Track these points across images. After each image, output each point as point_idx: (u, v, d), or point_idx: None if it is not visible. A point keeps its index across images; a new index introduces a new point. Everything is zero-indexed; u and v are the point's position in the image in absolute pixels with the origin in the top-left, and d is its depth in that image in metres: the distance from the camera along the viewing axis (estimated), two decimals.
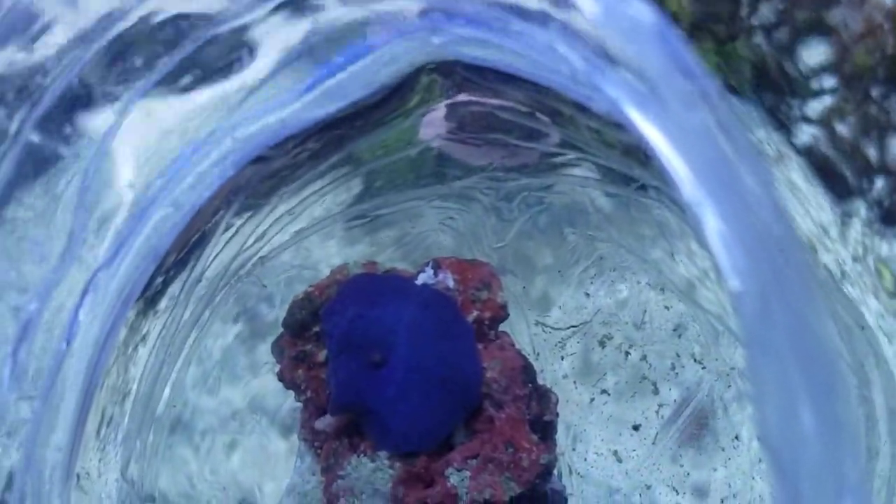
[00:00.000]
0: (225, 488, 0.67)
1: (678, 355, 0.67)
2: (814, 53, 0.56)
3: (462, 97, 0.58)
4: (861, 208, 0.57)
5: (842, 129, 0.57)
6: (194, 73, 0.48)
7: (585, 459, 0.66)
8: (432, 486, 0.52)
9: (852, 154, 0.57)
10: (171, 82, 0.48)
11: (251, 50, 0.48)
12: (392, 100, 0.55)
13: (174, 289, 0.61)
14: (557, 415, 0.55)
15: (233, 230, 0.61)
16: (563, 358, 0.68)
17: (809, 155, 0.58)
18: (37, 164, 0.46)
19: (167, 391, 0.65)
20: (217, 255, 0.62)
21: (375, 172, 0.64)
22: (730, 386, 0.66)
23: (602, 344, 0.68)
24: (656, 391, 0.67)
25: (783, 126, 0.58)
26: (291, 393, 0.56)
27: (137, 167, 0.49)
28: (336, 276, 0.56)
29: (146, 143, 0.49)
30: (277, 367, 0.56)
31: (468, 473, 0.51)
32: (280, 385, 0.56)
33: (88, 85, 0.46)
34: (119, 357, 0.58)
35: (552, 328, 0.68)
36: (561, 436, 0.63)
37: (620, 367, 0.67)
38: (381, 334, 0.52)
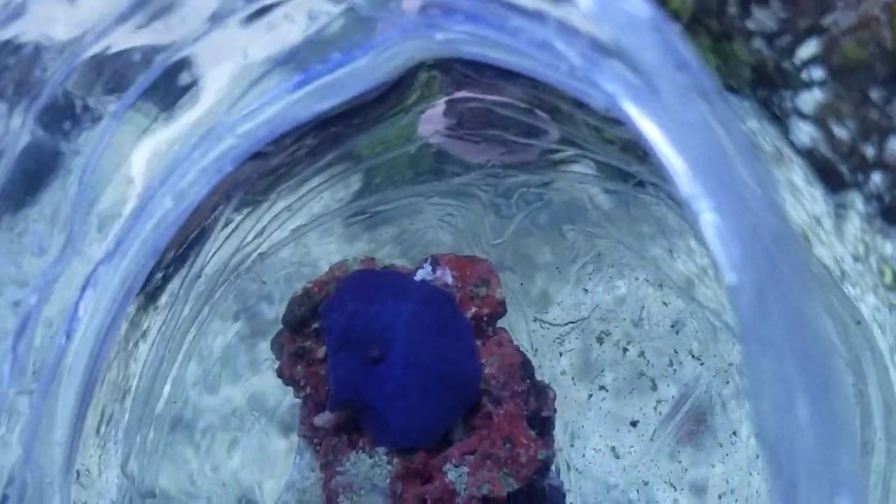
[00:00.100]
0: (225, 485, 0.67)
1: (676, 352, 0.67)
2: (805, 48, 0.57)
3: (461, 94, 0.58)
4: (857, 201, 0.57)
5: (840, 131, 0.57)
6: (191, 69, 0.48)
7: (583, 455, 0.66)
8: (431, 481, 0.52)
9: (850, 154, 0.57)
10: (169, 79, 0.48)
11: (250, 45, 0.48)
12: (391, 96, 0.55)
13: (174, 285, 0.61)
14: (555, 411, 0.55)
15: (232, 226, 0.62)
16: (561, 354, 0.68)
17: (808, 155, 0.58)
18: (36, 160, 0.46)
19: (167, 388, 0.65)
20: (216, 252, 0.62)
21: (374, 169, 0.64)
22: (728, 382, 0.66)
23: (600, 340, 0.68)
24: (654, 388, 0.67)
25: (777, 118, 0.58)
26: (291, 390, 0.56)
27: (137, 163, 0.49)
28: (335, 273, 0.56)
29: (145, 139, 0.49)
30: (277, 364, 0.56)
31: (466, 469, 0.52)
32: (280, 382, 0.56)
33: (88, 82, 0.46)
34: (119, 352, 0.58)
35: (550, 324, 0.68)
36: (559, 432, 0.63)
37: (618, 364, 0.67)
38: (380, 330, 0.52)
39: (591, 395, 0.67)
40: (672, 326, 0.67)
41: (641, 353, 0.67)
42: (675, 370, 0.67)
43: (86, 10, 0.43)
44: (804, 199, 0.59)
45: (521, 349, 0.55)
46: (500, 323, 0.56)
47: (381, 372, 0.52)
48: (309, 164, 0.61)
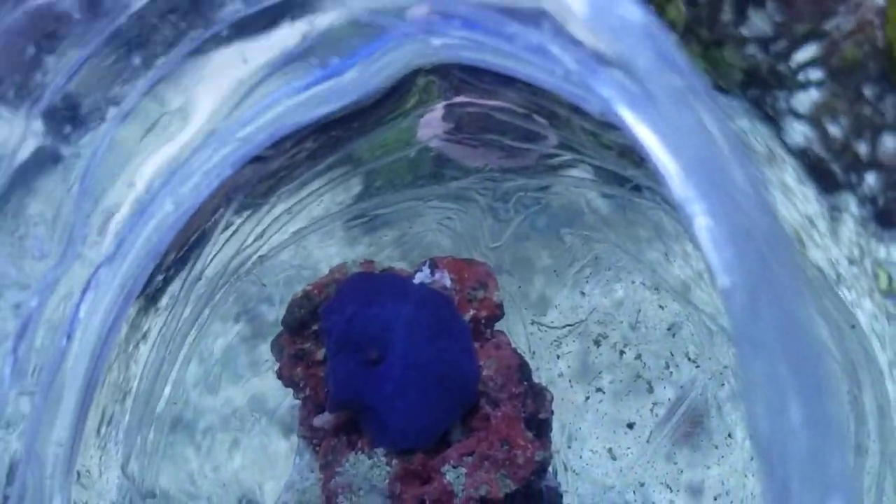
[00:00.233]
0: (225, 485, 0.67)
1: (672, 354, 0.67)
2: (804, 52, 0.57)
3: (459, 98, 0.58)
4: (851, 203, 0.57)
5: (833, 129, 0.57)
6: (193, 72, 0.48)
7: (580, 457, 0.66)
8: (429, 482, 0.52)
9: (843, 152, 0.57)
10: (171, 80, 0.48)
11: (249, 50, 0.48)
12: (390, 101, 0.55)
13: (174, 287, 0.61)
14: (552, 413, 0.55)
15: (232, 229, 0.62)
16: (558, 357, 0.68)
17: (801, 155, 0.58)
18: (38, 163, 0.46)
19: (168, 389, 0.65)
20: (217, 254, 0.62)
21: (374, 173, 0.65)
22: (723, 385, 0.66)
23: (597, 343, 0.68)
24: (651, 390, 0.67)
25: (770, 119, 0.58)
26: (291, 391, 0.56)
27: (137, 166, 0.49)
28: (335, 275, 0.56)
29: (146, 142, 0.49)
30: (277, 366, 0.56)
31: (464, 470, 0.52)
32: (280, 384, 0.56)
33: (89, 85, 0.46)
34: (120, 354, 0.59)
35: (548, 327, 0.68)
36: (556, 433, 0.63)
37: (615, 366, 0.67)
38: (379, 332, 0.52)
39: (588, 398, 0.67)
40: (668, 329, 0.67)
41: (638, 356, 0.67)
42: (672, 373, 0.67)
43: (86, 16, 0.43)
44: (796, 199, 0.59)
45: (519, 352, 0.55)
46: (498, 325, 0.56)
47: (380, 374, 0.52)
48: (309, 167, 0.61)
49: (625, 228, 0.67)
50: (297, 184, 0.62)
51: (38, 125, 0.45)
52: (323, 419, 0.54)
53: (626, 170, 0.62)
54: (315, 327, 0.55)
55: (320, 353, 0.54)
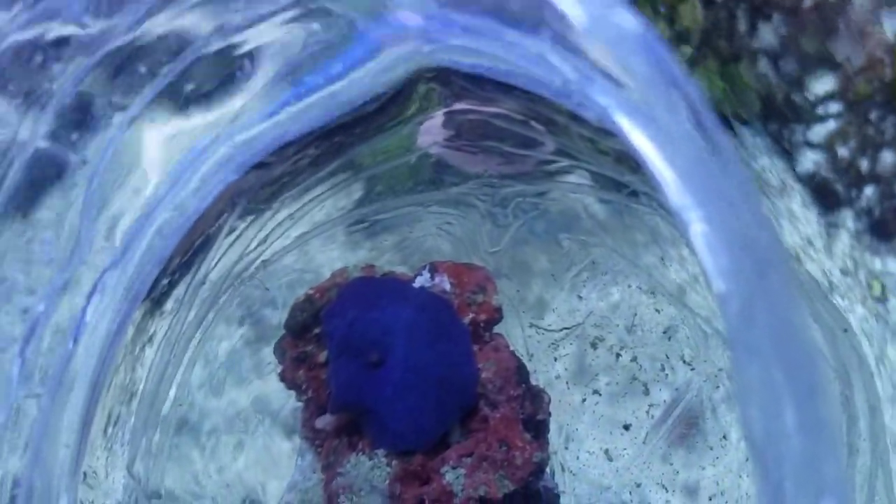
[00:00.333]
0: (229, 485, 0.67)
1: (668, 357, 0.67)
2: (820, 84, 0.57)
3: (459, 105, 0.58)
4: (848, 219, 0.58)
5: (843, 151, 0.57)
6: (197, 80, 0.48)
7: (577, 458, 0.66)
8: (428, 483, 0.52)
9: (847, 169, 0.58)
10: (174, 90, 0.48)
11: (252, 58, 0.48)
12: (391, 107, 0.55)
13: (179, 291, 0.61)
14: (550, 414, 0.55)
15: (236, 234, 0.62)
16: (556, 359, 0.68)
17: (810, 181, 0.58)
18: (45, 170, 0.46)
19: (173, 391, 0.65)
20: (221, 259, 0.62)
21: (375, 178, 0.65)
22: (718, 387, 0.66)
23: (594, 346, 0.68)
24: (647, 392, 0.67)
25: (786, 153, 0.58)
26: (294, 393, 0.56)
27: (142, 172, 0.49)
28: (336, 279, 0.56)
29: (151, 149, 0.49)
30: (279, 368, 0.56)
31: (463, 471, 0.51)
32: (283, 386, 0.56)
33: (94, 92, 0.46)
34: (126, 356, 0.58)
35: (546, 330, 0.68)
36: (553, 435, 0.63)
37: (612, 369, 0.67)
38: (380, 336, 0.52)
39: (584, 399, 0.67)
40: (664, 333, 0.67)
41: (634, 359, 0.67)
42: (667, 375, 0.67)
43: (92, 24, 0.43)
44: (799, 224, 0.59)
45: (517, 354, 0.55)
46: (497, 329, 0.56)
47: (380, 376, 0.52)
48: (311, 173, 0.61)
49: (622, 233, 0.67)
50: (299, 189, 0.62)
51: (44, 132, 0.45)
52: (325, 421, 0.54)
53: (623, 175, 0.62)
54: (317, 331, 0.55)
55: (322, 356, 0.54)
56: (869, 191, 0.57)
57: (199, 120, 0.49)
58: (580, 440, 0.66)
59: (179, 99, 0.49)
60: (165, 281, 0.59)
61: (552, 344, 0.68)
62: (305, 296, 0.55)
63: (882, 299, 0.58)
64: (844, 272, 0.58)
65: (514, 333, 0.67)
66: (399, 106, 0.56)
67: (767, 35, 0.57)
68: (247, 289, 0.66)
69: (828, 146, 0.58)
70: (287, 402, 0.67)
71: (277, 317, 0.68)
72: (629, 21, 0.33)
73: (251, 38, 0.47)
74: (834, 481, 0.33)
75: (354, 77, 0.49)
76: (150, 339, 0.61)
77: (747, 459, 0.64)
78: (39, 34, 0.44)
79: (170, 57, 0.46)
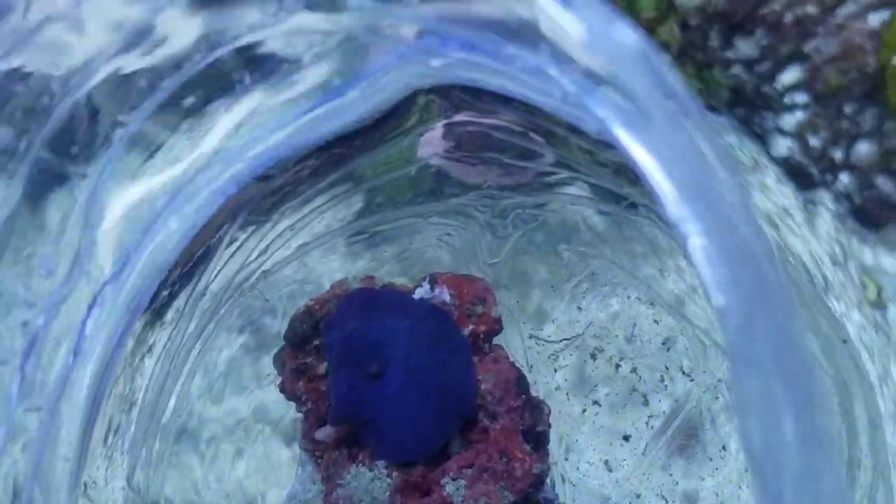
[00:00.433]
0: (229, 496, 0.66)
1: (667, 368, 0.67)
2: (788, 75, 0.57)
3: (459, 117, 0.58)
4: (826, 198, 0.58)
5: (814, 141, 0.57)
6: (197, 94, 0.48)
7: (577, 469, 0.66)
8: (429, 494, 0.52)
9: (820, 158, 0.58)
10: (175, 103, 0.48)
11: (253, 72, 0.48)
12: (391, 120, 0.55)
13: (180, 301, 0.61)
14: (550, 425, 0.55)
15: (236, 244, 0.61)
16: (555, 370, 0.68)
17: (785, 163, 0.58)
18: (44, 183, 0.46)
19: (173, 401, 0.65)
20: (221, 269, 0.62)
21: (375, 190, 0.64)
22: (717, 398, 0.66)
23: (594, 357, 0.68)
24: (646, 403, 0.66)
25: (757, 136, 0.59)
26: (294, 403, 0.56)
27: (143, 185, 0.49)
28: (336, 291, 0.56)
29: (151, 162, 0.49)
30: (279, 380, 0.56)
31: (463, 482, 0.51)
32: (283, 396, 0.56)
33: (95, 106, 0.46)
34: (126, 367, 0.58)
35: (545, 341, 0.68)
36: (553, 446, 0.63)
37: (611, 380, 0.67)
38: (380, 347, 0.52)
39: (584, 410, 0.67)
40: (663, 344, 0.67)
41: (634, 370, 0.67)
42: (667, 386, 0.66)
43: (93, 39, 0.43)
44: (773, 195, 0.59)
45: (517, 365, 0.55)
46: (497, 340, 0.56)
47: (380, 387, 0.52)
48: (312, 184, 0.61)
49: (621, 244, 0.67)
50: (300, 201, 0.61)
51: (44, 146, 0.45)
52: (325, 432, 0.53)
53: (622, 188, 0.62)
54: (317, 342, 0.55)
55: (322, 368, 0.54)
56: (845, 178, 0.58)
57: (199, 134, 0.49)
58: (580, 451, 0.66)
59: (179, 113, 0.49)
60: (166, 292, 0.59)
61: (552, 355, 0.68)
62: (305, 307, 0.55)
63: (878, 304, 0.58)
64: (834, 261, 0.58)
65: (514, 344, 0.67)
66: (399, 118, 0.56)
67: (747, 48, 0.57)
68: (247, 299, 0.66)
69: (798, 135, 0.57)
70: (287, 411, 0.67)
71: (277, 325, 0.68)
72: (629, 36, 0.33)
73: (252, 52, 0.47)
74: (833, 493, 0.33)
75: (355, 91, 0.49)
76: (150, 350, 0.61)
77: (746, 470, 0.63)
78: (39, 51, 0.44)
79: (170, 71, 0.46)
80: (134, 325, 0.53)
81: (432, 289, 0.55)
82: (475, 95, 0.54)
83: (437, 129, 0.60)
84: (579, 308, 0.68)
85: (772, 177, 0.59)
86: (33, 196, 0.46)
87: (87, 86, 0.44)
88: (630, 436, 0.66)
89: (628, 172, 0.59)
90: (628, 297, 0.68)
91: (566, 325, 0.68)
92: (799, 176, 0.58)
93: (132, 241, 0.49)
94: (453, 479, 0.51)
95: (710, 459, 0.65)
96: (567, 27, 0.34)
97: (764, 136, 0.59)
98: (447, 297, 0.55)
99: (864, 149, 0.56)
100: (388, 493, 0.52)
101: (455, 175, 0.64)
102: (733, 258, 0.34)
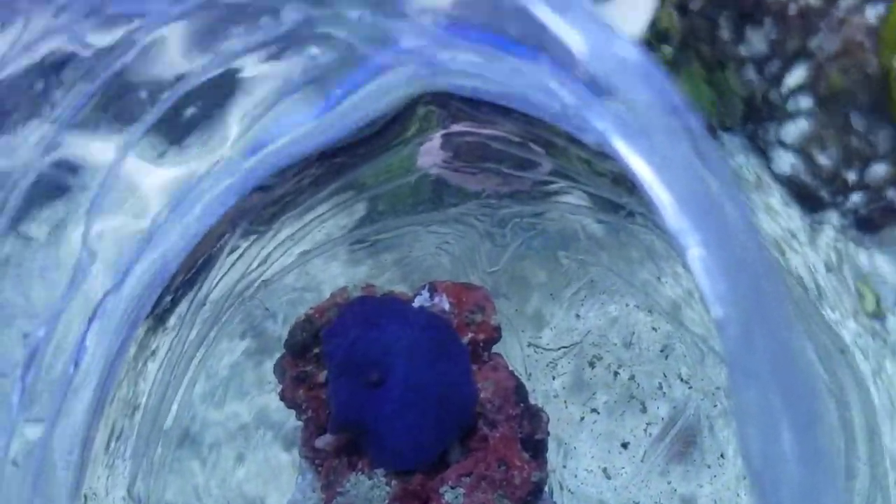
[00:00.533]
0: (229, 501, 0.66)
1: (665, 375, 0.66)
2: (793, 77, 0.56)
3: (457, 127, 0.58)
4: (833, 217, 0.57)
5: (823, 159, 0.56)
6: (197, 105, 0.48)
7: (576, 476, 0.66)
8: (428, 502, 0.52)
9: (833, 180, 0.56)
10: (175, 114, 0.48)
11: (252, 83, 0.48)
12: (390, 129, 0.55)
13: (182, 308, 0.61)
14: (549, 433, 0.55)
15: (238, 253, 0.61)
16: (554, 378, 0.67)
17: (787, 182, 0.58)
18: (45, 194, 0.46)
19: (175, 406, 0.65)
20: (223, 277, 0.62)
21: (376, 199, 0.64)
22: (716, 405, 0.65)
23: (592, 364, 0.67)
24: (644, 410, 0.66)
25: (760, 150, 0.58)
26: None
27: (142, 196, 0.49)
28: (336, 299, 0.55)
29: (151, 173, 0.49)
30: (279, 388, 0.56)
31: (462, 491, 0.51)
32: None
33: (95, 117, 0.46)
34: (129, 372, 0.58)
35: (544, 349, 0.68)
36: (552, 453, 0.63)
37: (610, 387, 0.67)
38: (380, 355, 0.52)
39: (583, 418, 0.67)
40: (661, 351, 0.67)
41: (632, 377, 0.67)
42: (665, 393, 0.66)
43: (93, 47, 0.43)
44: (780, 218, 0.59)
45: (516, 374, 0.54)
46: (496, 348, 0.56)
47: (380, 395, 0.51)
48: (313, 193, 0.60)
49: (618, 252, 0.67)
50: (301, 209, 0.61)
51: (45, 156, 0.45)
52: (325, 440, 0.53)
53: (621, 197, 0.61)
54: (317, 350, 0.54)
55: (322, 376, 0.54)
56: (856, 197, 0.56)
57: (198, 145, 0.49)
58: (578, 459, 0.66)
59: (179, 124, 0.48)
60: (168, 298, 0.58)
61: (550, 363, 0.68)
62: (305, 316, 0.55)
63: (877, 315, 0.57)
64: (829, 268, 0.57)
65: (513, 353, 0.67)
66: (399, 127, 0.56)
67: (758, 42, 0.55)
68: (247, 308, 0.66)
69: (803, 149, 0.56)
70: (288, 417, 0.67)
71: (279, 331, 0.68)
72: (629, 50, 0.33)
73: (250, 64, 0.47)
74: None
75: (355, 101, 0.49)
76: (153, 355, 0.61)
77: (744, 477, 0.63)
78: (40, 58, 0.43)
79: (169, 83, 0.46)
80: (134, 335, 0.52)
81: (432, 297, 0.55)
82: (474, 106, 0.54)
83: (436, 139, 0.60)
84: (578, 316, 0.68)
85: (777, 198, 0.58)
86: (34, 207, 0.46)
87: (87, 95, 0.44)
88: (628, 443, 0.66)
89: (626, 182, 0.59)
90: (626, 305, 0.68)
91: (565, 333, 0.68)
92: (805, 198, 0.57)
93: (133, 252, 0.49)
94: (452, 488, 0.51)
95: (709, 467, 0.65)
96: (568, 41, 0.34)
97: (766, 149, 0.58)
98: (447, 306, 0.55)
99: (880, 170, 0.54)
100: (387, 501, 0.52)
101: (454, 184, 0.64)
102: (733, 270, 0.34)
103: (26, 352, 0.46)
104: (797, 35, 0.54)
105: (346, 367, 0.52)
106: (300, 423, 0.56)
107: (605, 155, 0.39)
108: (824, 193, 0.57)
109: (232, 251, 0.61)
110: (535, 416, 0.54)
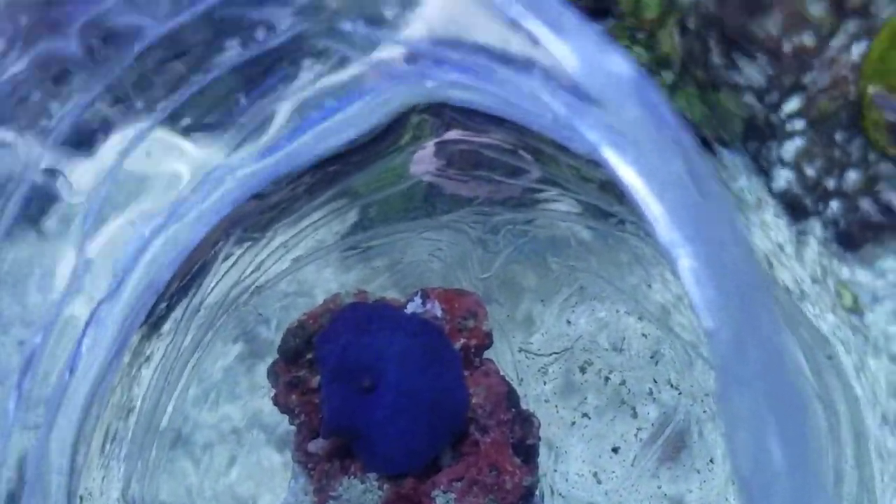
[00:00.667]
0: (221, 502, 0.66)
1: (655, 380, 0.66)
2: (790, 105, 0.58)
3: (450, 135, 0.58)
4: (816, 227, 0.58)
5: (810, 170, 0.58)
6: (193, 114, 0.48)
7: (566, 480, 0.66)
8: None
9: (815, 188, 0.58)
10: (171, 123, 0.47)
11: (248, 94, 0.48)
12: (384, 138, 0.55)
13: (177, 313, 0.60)
14: (540, 438, 0.55)
15: (232, 259, 0.61)
16: (545, 383, 0.67)
17: (782, 196, 0.59)
18: (41, 200, 0.46)
19: (170, 409, 0.64)
20: (217, 284, 0.61)
21: (369, 206, 0.64)
22: (705, 410, 0.66)
23: (583, 369, 0.67)
24: (635, 415, 0.66)
25: (763, 171, 0.59)
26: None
27: (138, 204, 0.49)
28: (329, 305, 0.55)
29: (147, 181, 0.49)
30: (272, 392, 0.56)
31: (454, 495, 0.51)
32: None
33: (91, 123, 0.46)
34: (123, 377, 0.58)
35: (535, 354, 0.68)
36: (543, 458, 0.63)
37: (600, 392, 0.67)
38: (372, 361, 0.52)
39: (574, 423, 0.67)
40: (651, 357, 0.67)
41: (622, 382, 0.67)
42: (655, 398, 0.66)
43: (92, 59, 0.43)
44: (770, 231, 0.59)
45: (507, 379, 0.54)
46: (487, 354, 0.56)
47: (372, 401, 0.51)
48: (307, 201, 0.60)
49: (608, 258, 0.67)
50: (295, 217, 0.61)
51: (42, 164, 0.45)
52: (317, 445, 0.53)
53: (610, 204, 0.61)
54: (310, 356, 0.54)
55: (315, 381, 0.54)
56: (834, 204, 0.58)
57: (194, 154, 0.49)
58: (569, 463, 0.66)
59: (176, 132, 0.48)
60: (163, 304, 0.58)
61: (541, 368, 0.68)
62: (298, 321, 0.55)
63: (855, 310, 0.58)
64: (815, 280, 0.58)
65: (504, 358, 0.67)
66: (393, 136, 0.56)
67: (755, 74, 0.58)
68: (241, 314, 0.66)
69: (796, 164, 0.58)
70: (281, 419, 0.67)
71: (272, 335, 0.68)
72: (622, 65, 0.33)
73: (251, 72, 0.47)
74: None
75: (349, 113, 0.49)
76: (148, 360, 0.60)
77: (733, 482, 0.63)
78: (36, 65, 0.43)
79: (166, 93, 0.45)
80: (129, 341, 0.52)
81: (424, 303, 0.55)
82: (466, 115, 0.54)
83: (429, 147, 0.60)
84: (568, 322, 0.68)
85: (770, 212, 0.59)
86: (30, 213, 0.46)
87: (85, 101, 0.44)
88: (619, 448, 0.66)
89: (614, 189, 0.59)
90: (616, 311, 0.68)
91: (555, 339, 0.68)
92: (794, 208, 0.59)
93: (128, 259, 0.49)
94: (444, 492, 0.51)
95: (698, 471, 0.65)
96: (560, 56, 0.34)
97: (768, 169, 0.59)
98: (439, 312, 0.55)
99: (852, 177, 0.57)
100: None
101: (447, 191, 0.64)
102: (724, 281, 0.34)
103: (22, 358, 0.46)
104: (793, 72, 0.57)
105: (338, 373, 0.52)
106: (293, 427, 0.56)
107: (594, 162, 0.39)
108: (808, 202, 0.59)
109: (226, 258, 0.60)
110: (526, 421, 0.54)
